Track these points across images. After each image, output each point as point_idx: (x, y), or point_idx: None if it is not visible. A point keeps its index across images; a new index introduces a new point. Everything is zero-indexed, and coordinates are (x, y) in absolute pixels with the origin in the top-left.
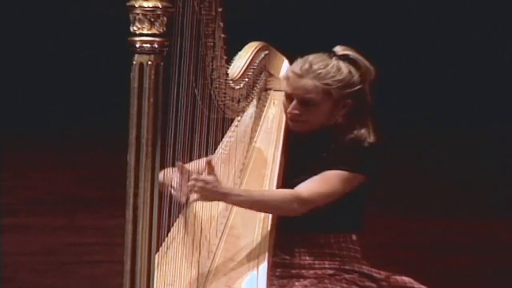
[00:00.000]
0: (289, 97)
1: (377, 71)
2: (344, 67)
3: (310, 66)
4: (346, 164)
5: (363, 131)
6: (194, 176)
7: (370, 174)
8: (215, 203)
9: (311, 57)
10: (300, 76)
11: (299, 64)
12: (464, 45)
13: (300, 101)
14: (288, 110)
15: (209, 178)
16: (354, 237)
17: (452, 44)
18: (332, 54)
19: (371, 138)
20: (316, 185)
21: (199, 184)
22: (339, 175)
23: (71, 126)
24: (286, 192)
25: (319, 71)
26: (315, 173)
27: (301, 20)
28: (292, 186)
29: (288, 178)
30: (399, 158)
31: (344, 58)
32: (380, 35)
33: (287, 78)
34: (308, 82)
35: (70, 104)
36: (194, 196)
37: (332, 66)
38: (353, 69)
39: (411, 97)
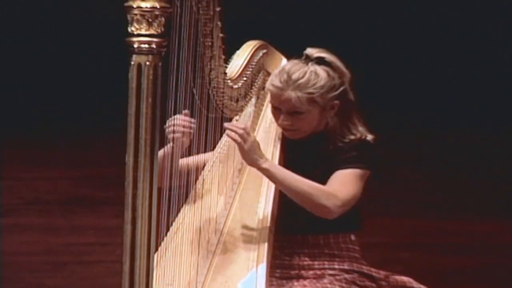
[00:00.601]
0: (276, 109)
1: (351, 72)
2: (322, 71)
3: (289, 77)
4: (360, 161)
5: (361, 128)
6: (239, 124)
7: (374, 170)
8: (213, 203)
9: (287, 67)
10: (282, 89)
11: (277, 76)
12: (464, 45)
13: (287, 113)
14: (279, 122)
15: (253, 136)
16: (353, 237)
17: (452, 44)
18: (307, 58)
19: (369, 136)
20: (343, 186)
21: (242, 132)
22: (356, 173)
23: (70, 126)
24: (329, 189)
25: (299, 82)
26: (317, 176)
27: (301, 20)
28: None
29: None
30: (399, 158)
31: (320, 61)
32: (380, 35)
33: (269, 91)
34: (291, 94)
35: (69, 104)
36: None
37: (310, 73)
38: (331, 72)
39: (411, 97)
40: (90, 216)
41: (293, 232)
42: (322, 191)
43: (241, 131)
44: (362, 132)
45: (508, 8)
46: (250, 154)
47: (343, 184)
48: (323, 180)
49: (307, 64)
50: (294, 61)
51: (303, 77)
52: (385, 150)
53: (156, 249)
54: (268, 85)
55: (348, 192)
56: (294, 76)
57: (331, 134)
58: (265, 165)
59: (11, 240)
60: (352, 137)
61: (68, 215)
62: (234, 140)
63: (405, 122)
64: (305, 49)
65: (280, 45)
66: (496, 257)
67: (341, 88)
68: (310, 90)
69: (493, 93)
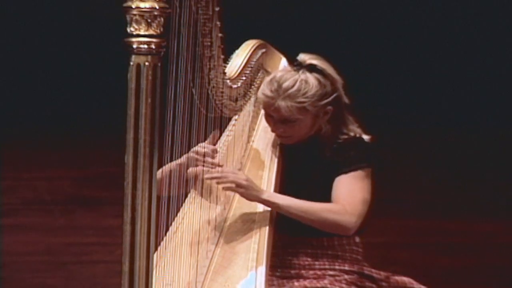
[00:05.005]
0: (269, 116)
1: (344, 77)
2: (313, 79)
3: (279, 86)
4: (360, 160)
5: (355, 128)
6: (228, 169)
7: (374, 166)
8: (213, 203)
9: (278, 75)
10: (272, 98)
11: (268, 85)
12: (464, 45)
13: (279, 121)
14: (271, 129)
15: (246, 176)
16: (357, 239)
17: (452, 44)
18: (298, 65)
19: (365, 136)
20: (351, 196)
21: (238, 177)
22: (359, 175)
23: (70, 126)
24: (337, 206)
25: (289, 91)
26: (319, 182)
27: (301, 20)
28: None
29: (288, 188)
30: (400, 158)
31: (311, 69)
32: (380, 34)
33: (261, 101)
34: (281, 103)
35: (69, 104)
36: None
37: (300, 81)
38: (322, 79)
39: (411, 96)
40: (90, 216)
41: (296, 233)
42: (332, 210)
43: (232, 176)
44: (356, 131)
45: (508, 8)
46: (249, 192)
47: (350, 193)
48: (325, 186)
49: (298, 72)
50: (285, 69)
51: (293, 86)
52: (385, 150)
53: (156, 249)
54: (259, 93)
55: (357, 201)
56: (284, 85)
57: (326, 138)
58: (264, 197)
59: (11, 240)
60: (346, 136)
61: (68, 215)
62: (232, 190)
63: (405, 122)
64: (303, 49)
65: (279, 45)
66: (496, 257)
67: (334, 95)
68: (301, 99)
69: (493, 93)
